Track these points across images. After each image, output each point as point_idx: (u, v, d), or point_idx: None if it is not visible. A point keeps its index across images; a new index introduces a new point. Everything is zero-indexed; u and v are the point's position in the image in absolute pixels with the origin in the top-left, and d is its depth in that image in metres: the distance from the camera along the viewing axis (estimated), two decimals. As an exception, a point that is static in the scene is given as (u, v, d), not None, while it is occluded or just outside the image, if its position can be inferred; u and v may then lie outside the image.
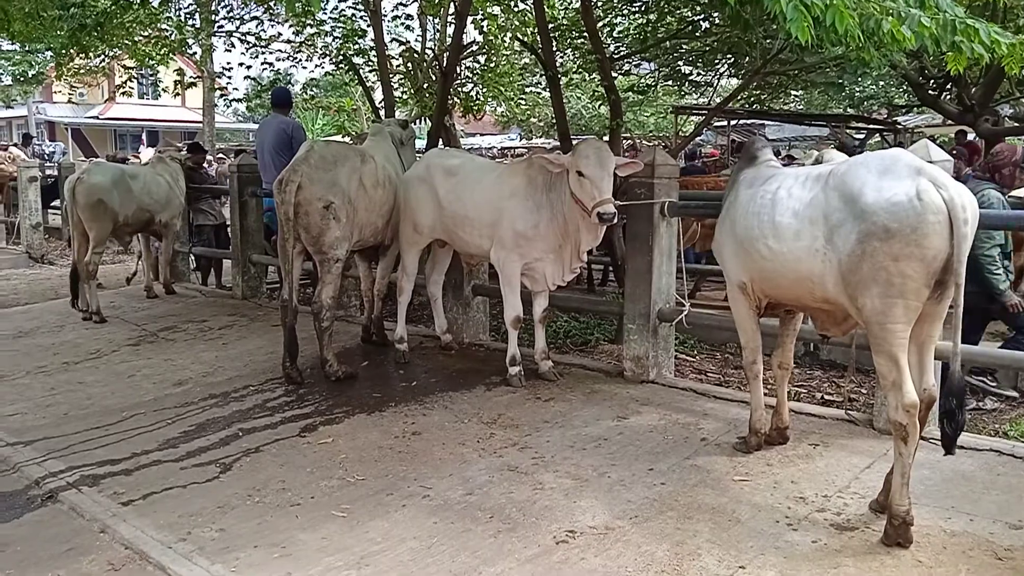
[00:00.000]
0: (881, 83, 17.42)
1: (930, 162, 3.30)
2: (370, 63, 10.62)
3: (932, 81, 12.38)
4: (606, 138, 7.14)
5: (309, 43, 11.29)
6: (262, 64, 11.79)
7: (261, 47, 11.57)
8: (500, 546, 3.20)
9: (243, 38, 11.50)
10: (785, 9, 3.65)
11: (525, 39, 9.40)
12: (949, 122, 13.65)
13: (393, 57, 10.54)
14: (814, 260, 3.30)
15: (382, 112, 9.13)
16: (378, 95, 10.20)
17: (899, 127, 16.56)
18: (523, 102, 15.36)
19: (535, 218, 5.01)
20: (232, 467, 4.01)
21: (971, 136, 12.62)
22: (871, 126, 16.15)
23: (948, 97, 12.64)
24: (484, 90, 11.39)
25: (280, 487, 3.76)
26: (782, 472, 3.82)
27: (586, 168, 4.69)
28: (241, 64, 11.95)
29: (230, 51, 12.77)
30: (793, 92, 18.63)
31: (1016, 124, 14.52)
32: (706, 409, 4.72)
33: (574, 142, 5.73)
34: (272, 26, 11.53)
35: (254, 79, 14.45)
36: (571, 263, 5.15)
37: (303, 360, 5.48)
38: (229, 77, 13.24)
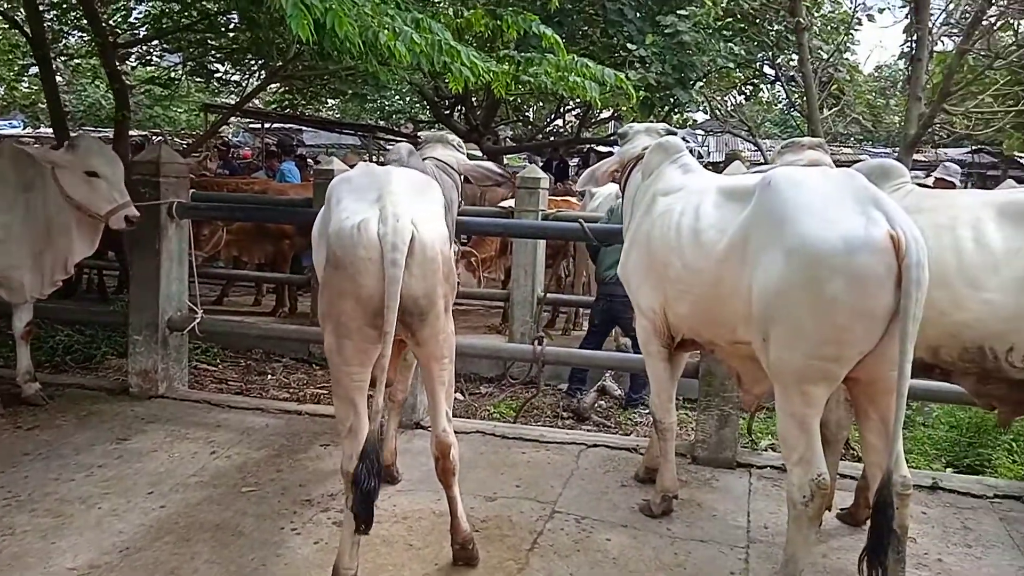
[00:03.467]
0: (407, 98, 18.81)
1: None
2: None
3: (445, 100, 13.69)
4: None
5: None
6: None
7: None
8: (-56, 614, 2.64)
9: None
10: (286, 6, 3.66)
11: (15, 15, 8.10)
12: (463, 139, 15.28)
13: None
14: None
15: None
16: None
17: (420, 141, 17.98)
18: (24, 85, 13.33)
19: (5, 219, 4.30)
20: None
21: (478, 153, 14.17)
22: (397, 139, 17.28)
23: (458, 116, 14.11)
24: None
25: None
26: (291, 477, 3.81)
27: (101, 167, 4.27)
28: None
29: None
30: (330, 100, 19.15)
31: (514, 144, 16.85)
32: (220, 420, 4.52)
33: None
34: None
35: None
36: (54, 273, 4.52)
37: None
38: None
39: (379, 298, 2.59)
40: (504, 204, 6.95)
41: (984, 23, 8.52)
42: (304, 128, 20.46)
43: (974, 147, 18.05)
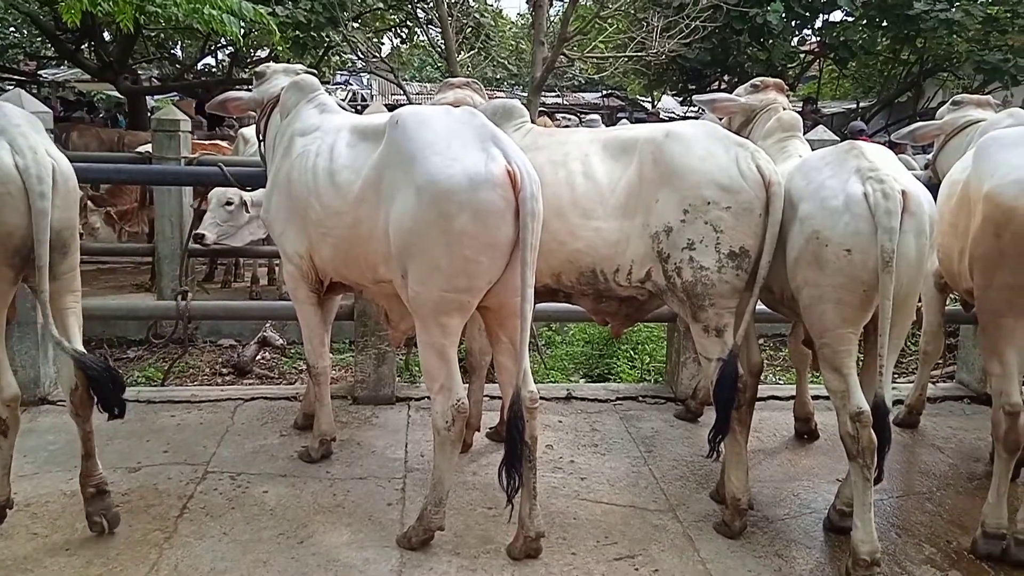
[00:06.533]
0: (25, 31, 16.22)
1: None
2: None
3: (70, 34, 12.02)
4: None
5: None
6: None
7: None
8: None
9: None
10: None
11: None
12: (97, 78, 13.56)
13: None
14: None
15: None
16: None
17: (42, 79, 15.76)
18: None
19: None
20: None
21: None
22: (15, 77, 14.93)
23: (89, 53, 12.50)
24: None
25: None
26: None
27: None
28: None
29: None
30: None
31: (160, 83, 15.40)
32: None
33: None
34: None
35: None
36: None
37: None
38: None
39: (19, 235, 2.54)
40: (141, 149, 6.32)
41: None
42: None
43: (605, 92, 20.09)
